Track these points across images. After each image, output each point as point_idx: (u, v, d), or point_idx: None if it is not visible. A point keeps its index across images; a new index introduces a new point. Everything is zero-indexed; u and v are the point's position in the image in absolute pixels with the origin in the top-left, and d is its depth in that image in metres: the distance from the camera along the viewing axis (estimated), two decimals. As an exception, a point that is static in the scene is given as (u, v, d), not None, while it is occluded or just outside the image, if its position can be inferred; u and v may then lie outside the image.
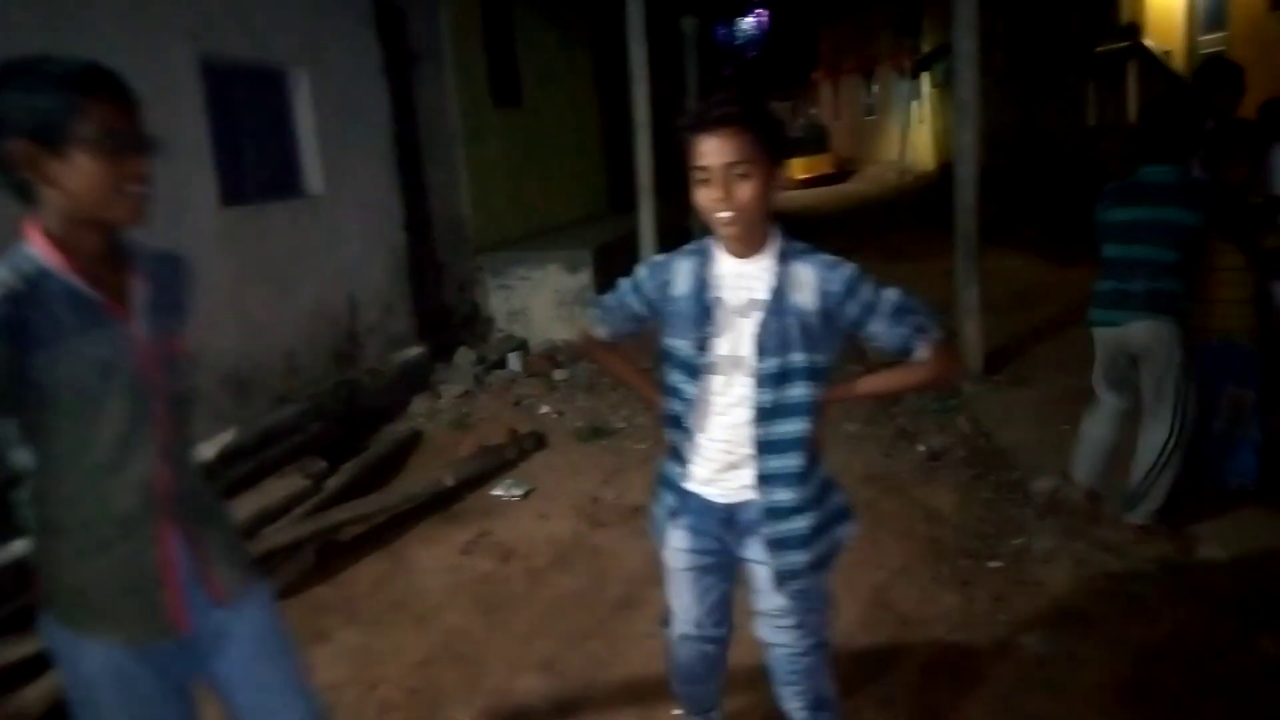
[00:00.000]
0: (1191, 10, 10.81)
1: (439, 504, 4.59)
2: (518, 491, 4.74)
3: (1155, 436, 3.64)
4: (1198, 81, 4.58)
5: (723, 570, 2.21)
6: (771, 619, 2.17)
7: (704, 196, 1.91)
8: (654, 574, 3.74)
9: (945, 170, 18.18)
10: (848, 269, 1.97)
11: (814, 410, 2.00)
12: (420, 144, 6.84)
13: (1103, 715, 2.79)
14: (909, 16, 22.77)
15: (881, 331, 1.99)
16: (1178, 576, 3.49)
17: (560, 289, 7.32)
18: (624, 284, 2.20)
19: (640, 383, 2.37)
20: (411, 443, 5.50)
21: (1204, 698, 2.82)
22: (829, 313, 1.96)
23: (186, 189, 4.62)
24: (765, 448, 2.01)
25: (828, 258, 1.99)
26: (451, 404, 6.11)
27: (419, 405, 6.07)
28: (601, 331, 2.28)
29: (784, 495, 2.03)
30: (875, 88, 27.02)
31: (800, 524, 2.05)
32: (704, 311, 2.01)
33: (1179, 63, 10.92)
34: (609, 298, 2.24)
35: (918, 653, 3.16)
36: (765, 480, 2.03)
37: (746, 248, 1.98)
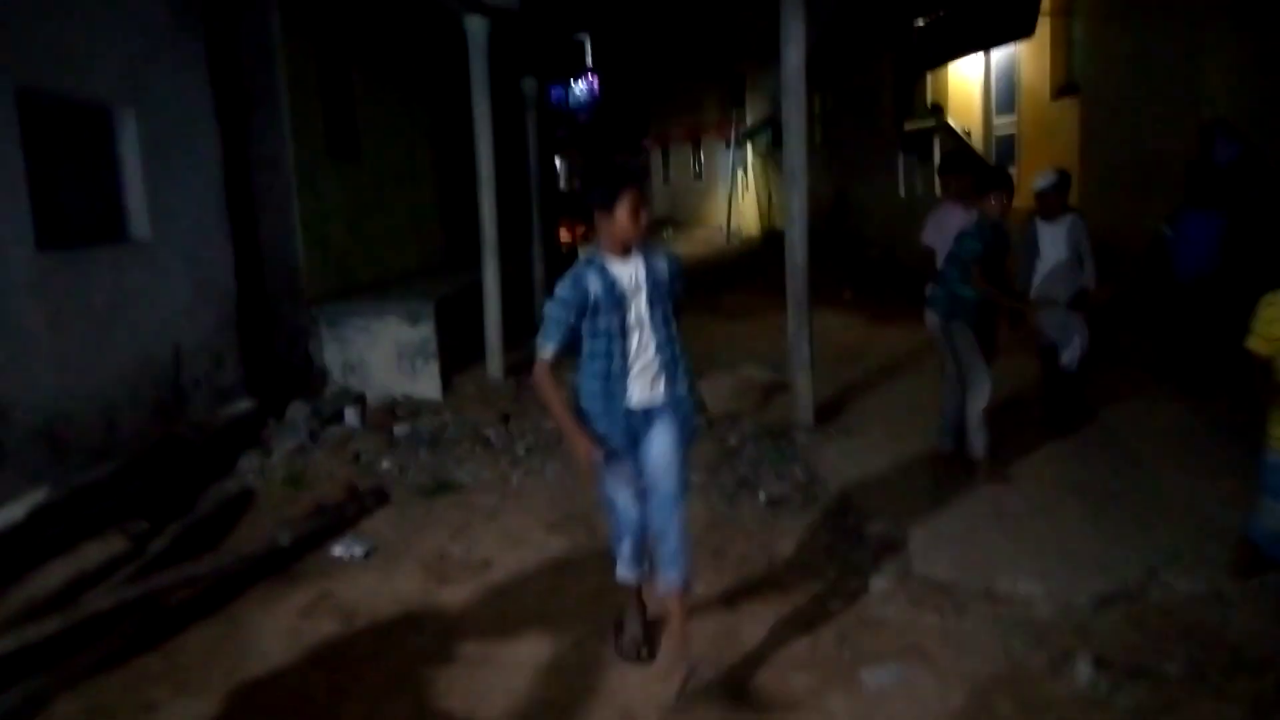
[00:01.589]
0: (987, 95, 11.93)
1: (275, 565, 4.37)
2: (359, 550, 4.57)
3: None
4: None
5: (635, 453, 3.30)
6: (662, 474, 3.25)
7: (628, 221, 3.11)
8: (506, 629, 3.74)
9: (769, 236, 19.09)
10: (674, 258, 3.36)
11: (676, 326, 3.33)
12: (254, 192, 6.60)
13: (942, 743, 2.95)
14: (734, 88, 23.98)
15: (680, 293, 3.34)
16: (999, 608, 3.76)
17: (400, 341, 7.17)
18: (552, 308, 3.17)
19: (565, 415, 3.22)
20: (242, 501, 5.22)
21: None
22: (670, 279, 3.27)
23: (1, 230, 4.29)
24: (670, 364, 3.26)
25: (662, 250, 3.35)
26: (285, 460, 5.84)
27: (249, 462, 5.77)
28: (549, 351, 3.17)
29: (682, 388, 3.31)
30: (702, 155, 28.17)
31: (694, 402, 3.38)
32: (617, 297, 3.15)
33: (977, 141, 11.99)
34: (548, 323, 3.17)
35: (765, 690, 3.26)
36: (672, 381, 3.27)
37: (628, 252, 3.18)
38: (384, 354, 7.21)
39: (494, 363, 7.70)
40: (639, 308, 3.19)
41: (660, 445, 3.27)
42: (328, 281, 7.62)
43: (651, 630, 3.56)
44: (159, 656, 3.61)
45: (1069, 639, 3.50)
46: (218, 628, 3.86)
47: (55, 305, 4.68)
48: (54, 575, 3.85)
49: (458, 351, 7.58)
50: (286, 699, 3.32)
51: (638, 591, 3.54)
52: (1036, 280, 5.74)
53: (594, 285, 3.14)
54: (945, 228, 5.54)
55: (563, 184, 25.28)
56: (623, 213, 3.10)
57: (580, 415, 3.24)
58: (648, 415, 3.27)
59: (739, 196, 23.81)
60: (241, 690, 3.39)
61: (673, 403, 3.29)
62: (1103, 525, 4.44)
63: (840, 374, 7.45)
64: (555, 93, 22.52)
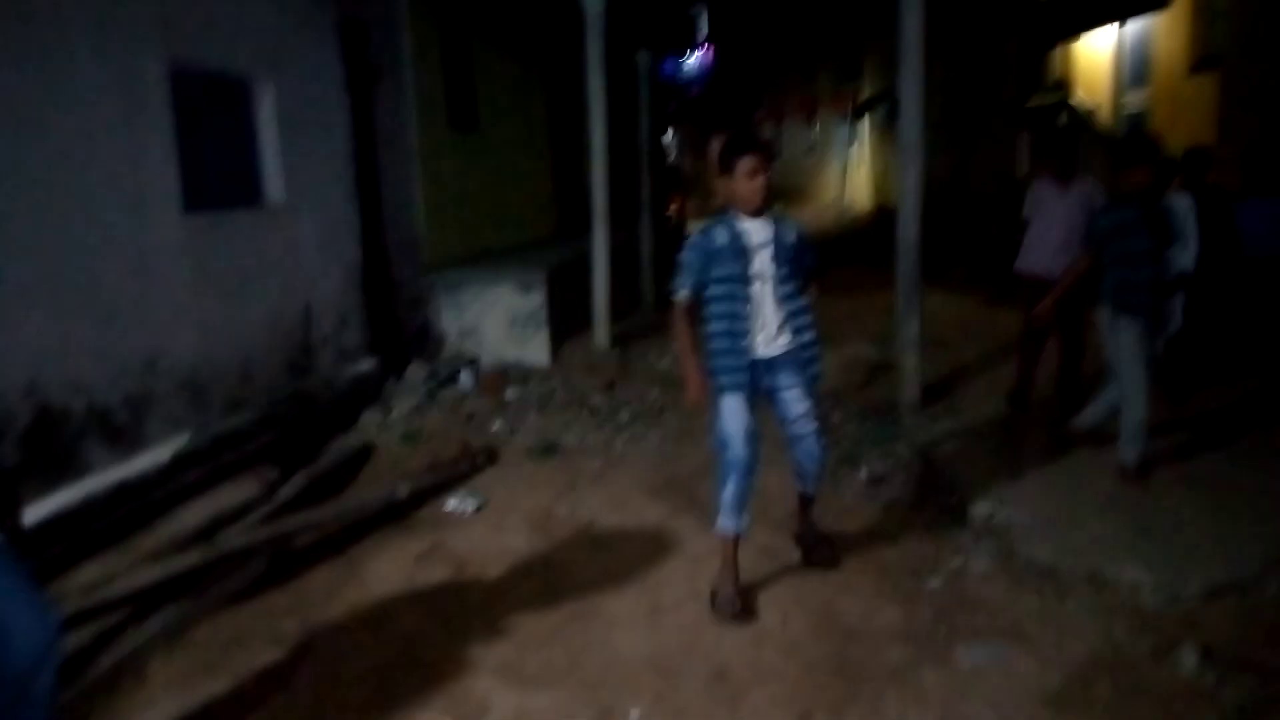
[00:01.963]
0: (1117, 70, 11.42)
1: (392, 515, 4.62)
2: (471, 505, 4.79)
3: None
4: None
5: (755, 398, 3.64)
6: (798, 421, 3.71)
7: (745, 183, 3.51)
8: (607, 586, 3.88)
9: (881, 212, 18.73)
10: (803, 232, 3.73)
11: (803, 293, 3.69)
12: (378, 161, 6.89)
13: (1033, 718, 2.96)
14: (850, 61, 23.48)
15: (809, 261, 3.74)
16: (1103, 594, 3.71)
17: (513, 309, 7.40)
18: (685, 255, 3.60)
19: (686, 351, 3.67)
20: (363, 455, 5.51)
21: (1130, 707, 3.01)
22: (796, 246, 3.64)
23: (150, 194, 4.62)
24: (791, 316, 3.64)
25: (792, 222, 3.73)
26: (403, 418, 6.14)
27: (370, 418, 6.08)
28: (682, 293, 3.62)
29: (806, 337, 3.67)
30: (816, 128, 27.73)
31: (815, 352, 3.72)
32: (740, 248, 3.54)
33: (1105, 118, 11.51)
34: (681, 268, 3.61)
35: (863, 662, 3.31)
36: (796, 332, 3.64)
37: (757, 214, 3.57)
38: (497, 321, 7.45)
39: (601, 332, 7.86)
40: (762, 262, 3.56)
41: (791, 395, 3.70)
42: (446, 249, 7.90)
43: (746, 592, 3.66)
44: (286, 593, 3.89)
45: (1175, 628, 3.44)
46: (339, 570, 4.12)
47: (199, 264, 5.03)
48: (194, 514, 4.18)
49: (566, 320, 7.77)
50: (399, 638, 3.53)
51: (734, 549, 3.67)
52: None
53: (720, 237, 3.57)
54: (1041, 203, 5.74)
55: (673, 157, 25.27)
56: (741, 175, 3.50)
57: (708, 355, 3.62)
58: (770, 365, 3.65)
59: (852, 171, 23.41)
60: (358, 628, 3.62)
61: (795, 352, 3.66)
62: (1218, 516, 4.30)
63: (950, 355, 7.34)
64: (668, 66, 22.47)
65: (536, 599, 3.83)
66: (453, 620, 3.66)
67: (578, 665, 3.34)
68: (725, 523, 3.62)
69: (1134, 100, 11.24)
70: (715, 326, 3.60)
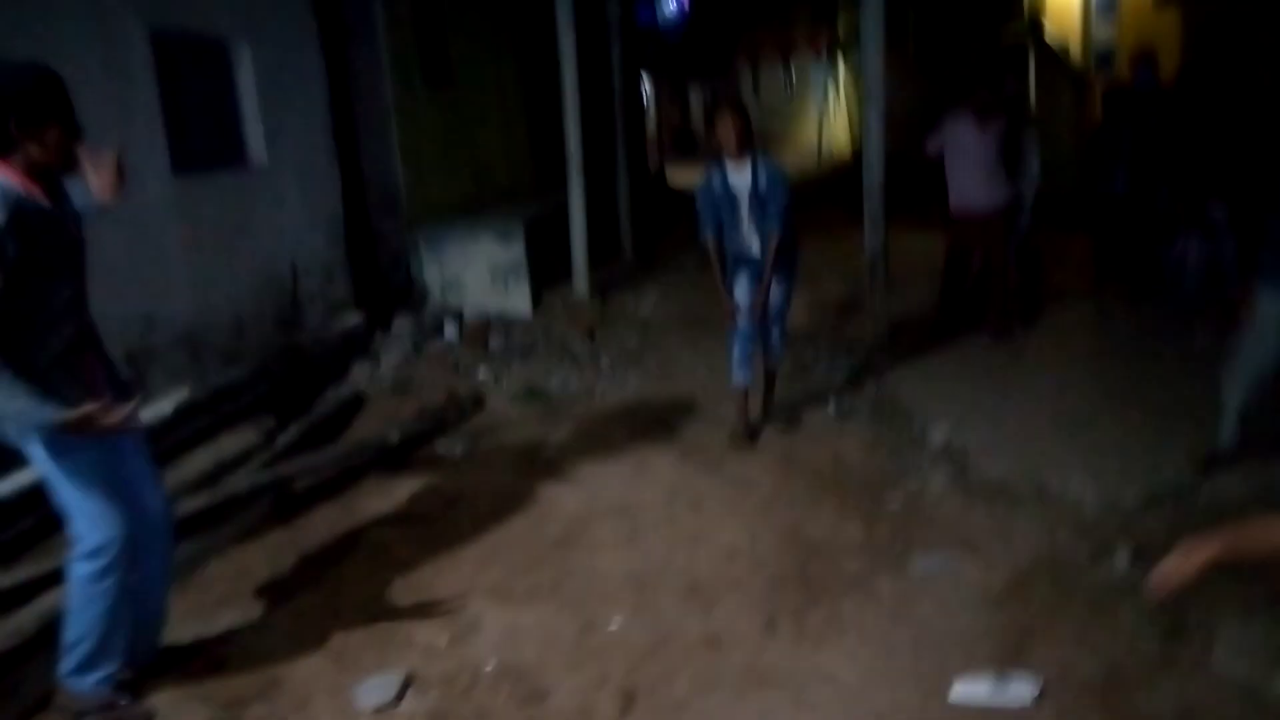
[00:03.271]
0: (1086, 6, 11.54)
1: (385, 460, 4.86)
2: (459, 448, 5.05)
3: None
4: None
5: (753, 279, 4.77)
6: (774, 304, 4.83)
7: (721, 133, 4.52)
8: (590, 516, 4.15)
9: (859, 157, 18.75)
10: (780, 169, 4.68)
11: (782, 220, 4.62)
12: (356, 119, 7.02)
13: (976, 617, 3.26)
14: (825, 1, 23.31)
15: (774, 206, 4.61)
16: (1049, 506, 4.01)
17: (493, 261, 7.59)
18: (700, 201, 4.71)
19: (718, 278, 4.80)
20: (355, 404, 5.74)
21: (1066, 604, 3.31)
22: (768, 186, 4.59)
23: (142, 157, 4.79)
24: (760, 224, 4.65)
25: (773, 161, 4.69)
26: (391, 369, 6.36)
27: (360, 370, 6.30)
28: (706, 232, 4.75)
29: (774, 245, 4.65)
30: (793, 72, 27.60)
31: (788, 255, 4.81)
32: (729, 187, 4.62)
33: (1076, 55, 11.65)
34: (702, 218, 4.73)
35: (825, 574, 3.60)
36: (763, 233, 4.66)
37: (740, 157, 4.57)
38: (478, 272, 7.64)
39: (580, 281, 8.06)
40: (743, 198, 4.62)
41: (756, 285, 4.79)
42: (426, 204, 8.05)
43: (753, 432, 4.94)
44: (288, 531, 4.15)
45: (1112, 534, 3.73)
46: (337, 510, 4.38)
47: (190, 224, 5.21)
48: (198, 461, 4.41)
49: (547, 270, 7.95)
50: (396, 567, 3.79)
51: (744, 398, 4.89)
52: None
53: (715, 180, 4.66)
54: (958, 141, 6.08)
55: (651, 106, 25.19)
56: (720, 125, 4.52)
57: (725, 275, 4.80)
58: (752, 264, 4.74)
59: (830, 115, 23.39)
60: (358, 560, 3.89)
61: (762, 257, 4.71)
62: (1160, 431, 4.59)
63: (920, 291, 7.58)
64: (644, 14, 22.32)
65: (523, 530, 4.10)
66: (445, 551, 3.92)
67: (562, 586, 3.62)
68: (738, 378, 4.85)
69: (1104, 37, 11.37)
70: (727, 249, 4.79)
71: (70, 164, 2.68)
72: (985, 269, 6.27)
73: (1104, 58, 11.29)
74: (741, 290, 4.79)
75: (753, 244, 4.71)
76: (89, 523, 2.68)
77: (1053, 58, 11.57)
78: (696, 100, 27.47)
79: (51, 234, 2.56)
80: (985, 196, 6.02)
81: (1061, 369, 5.79)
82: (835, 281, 7.83)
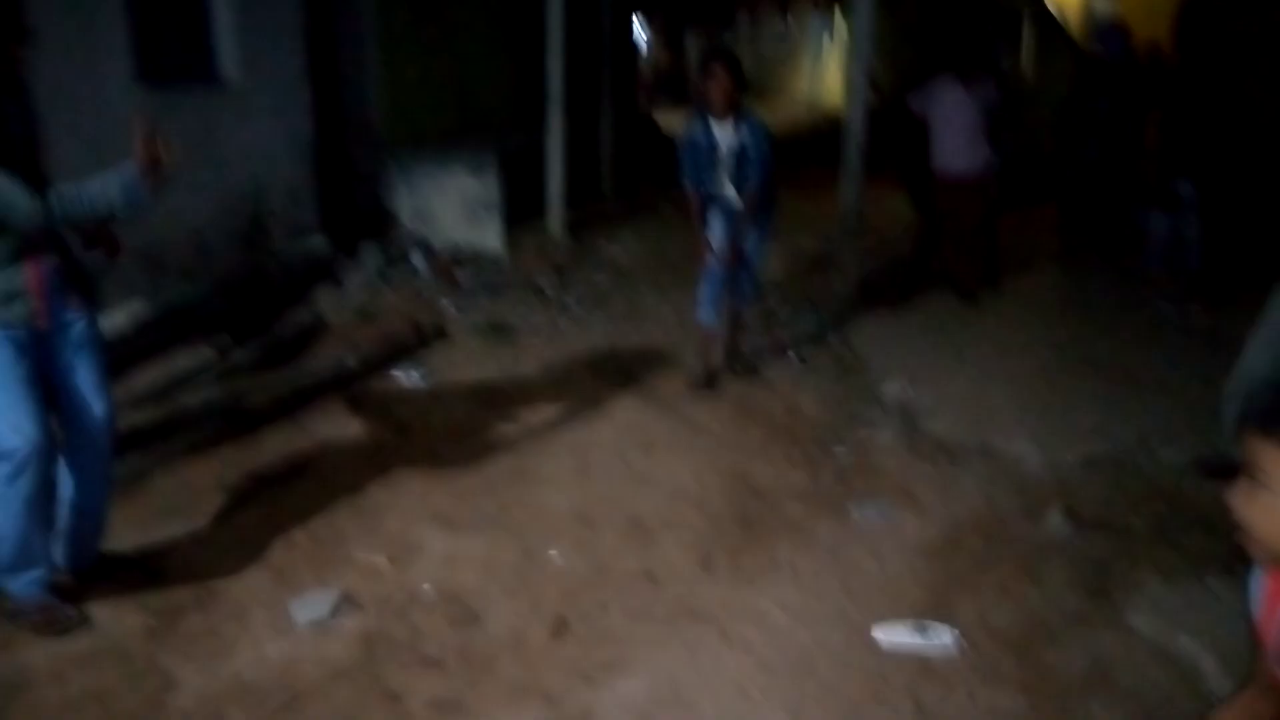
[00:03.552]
0: (1084, -29, 11.41)
1: (342, 384, 4.87)
2: (417, 376, 5.05)
3: None
4: None
5: (729, 226, 4.77)
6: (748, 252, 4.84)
7: (710, 87, 4.50)
8: (541, 451, 4.18)
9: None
10: (764, 129, 4.64)
11: (762, 175, 4.65)
12: (337, 41, 6.89)
13: (908, 566, 3.33)
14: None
15: (754, 165, 4.63)
16: (991, 464, 4.08)
17: (465, 192, 7.51)
18: (684, 158, 4.71)
19: (698, 225, 4.78)
20: (315, 328, 5.72)
21: (996, 559, 3.38)
22: (749, 145, 4.59)
23: (103, 64, 4.69)
24: (738, 180, 4.68)
25: (759, 120, 4.65)
26: (355, 296, 6.33)
27: (324, 295, 6.26)
28: (688, 181, 4.71)
29: (751, 189, 4.69)
30: (790, 22, 27.22)
31: (767, 207, 4.84)
32: (711, 140, 4.61)
33: (1073, 20, 11.55)
34: (685, 168, 4.71)
35: (765, 517, 3.66)
36: (740, 189, 4.69)
37: (725, 113, 4.55)
38: (450, 203, 7.57)
39: (555, 219, 8.01)
40: (729, 153, 4.62)
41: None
42: (402, 131, 7.94)
43: (711, 376, 4.94)
44: (239, 449, 4.14)
45: (1049, 493, 3.81)
46: (289, 432, 4.38)
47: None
48: (150, 375, 4.40)
49: (523, 207, 7.89)
50: (344, 490, 3.81)
51: (707, 341, 4.95)
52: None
53: (698, 133, 4.65)
54: (942, 104, 6.11)
55: (644, 49, 24.84)
56: (710, 82, 4.49)
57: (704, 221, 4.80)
58: (730, 212, 4.75)
59: (824, 67, 23.16)
60: (306, 480, 3.91)
61: (737, 202, 4.76)
62: (1107, 396, 4.67)
63: (895, 249, 7.59)
64: (642, -49, 21.84)
65: (474, 459, 4.13)
66: (394, 476, 3.94)
67: (507, 515, 3.66)
68: (706, 317, 4.86)
69: (1103, 7, 11.25)
70: (706, 201, 4.82)
71: (12, 67, 2.63)
72: (959, 230, 6.31)
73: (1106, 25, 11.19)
74: (717, 234, 4.78)
75: (731, 195, 4.73)
76: (1, 425, 2.68)
77: (1054, 27, 11.48)
78: (693, 45, 27.03)
79: None
80: (966, 159, 6.06)
81: (1021, 332, 5.87)
82: (811, 237, 7.83)
